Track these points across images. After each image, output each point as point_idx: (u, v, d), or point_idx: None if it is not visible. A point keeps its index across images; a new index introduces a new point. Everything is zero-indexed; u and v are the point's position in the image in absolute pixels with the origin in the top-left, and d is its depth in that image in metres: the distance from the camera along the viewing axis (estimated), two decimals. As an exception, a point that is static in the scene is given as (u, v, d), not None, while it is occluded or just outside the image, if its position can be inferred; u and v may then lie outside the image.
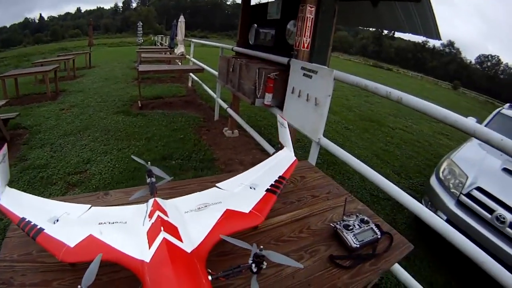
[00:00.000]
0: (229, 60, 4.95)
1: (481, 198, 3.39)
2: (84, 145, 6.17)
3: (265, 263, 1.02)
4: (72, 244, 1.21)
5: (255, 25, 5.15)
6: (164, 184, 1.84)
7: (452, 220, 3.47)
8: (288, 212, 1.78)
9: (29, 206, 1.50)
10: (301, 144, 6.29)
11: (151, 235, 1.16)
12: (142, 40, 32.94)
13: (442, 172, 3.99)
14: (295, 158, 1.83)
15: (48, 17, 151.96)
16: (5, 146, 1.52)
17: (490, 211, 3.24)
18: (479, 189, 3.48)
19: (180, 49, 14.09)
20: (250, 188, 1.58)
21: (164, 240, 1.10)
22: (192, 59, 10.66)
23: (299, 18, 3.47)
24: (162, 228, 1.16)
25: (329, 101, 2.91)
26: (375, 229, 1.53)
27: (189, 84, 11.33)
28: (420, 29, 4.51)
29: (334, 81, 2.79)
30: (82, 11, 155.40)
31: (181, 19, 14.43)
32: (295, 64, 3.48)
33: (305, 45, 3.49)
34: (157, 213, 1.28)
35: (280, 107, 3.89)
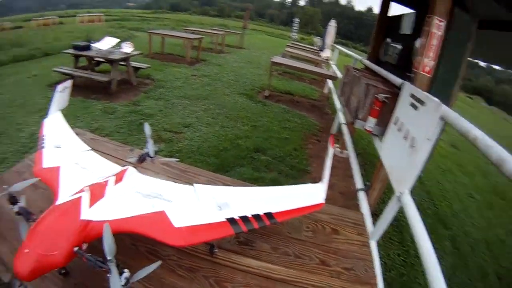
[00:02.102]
0: (348, 71, 4.42)
1: None
2: (194, 111, 6.66)
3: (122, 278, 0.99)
4: (44, 166, 1.62)
5: (388, 39, 4.47)
6: (180, 165, 2.06)
7: None
8: (267, 263, 1.32)
9: (56, 130, 1.99)
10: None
11: (82, 190, 1.32)
12: (296, 36, 33.04)
13: None
14: (322, 201, 1.41)
15: None
16: (70, 81, 2.24)
17: None
18: None
19: (326, 53, 13.87)
20: (217, 206, 1.36)
21: (78, 198, 1.25)
22: (333, 65, 10.17)
23: (424, 33, 2.75)
24: (88, 189, 1.32)
25: (429, 147, 2.05)
26: None
27: (325, 91, 10.75)
28: None
29: (441, 121, 2.00)
30: None
31: (332, 23, 14.28)
32: (406, 88, 2.71)
33: (426, 69, 2.73)
34: (111, 178, 1.45)
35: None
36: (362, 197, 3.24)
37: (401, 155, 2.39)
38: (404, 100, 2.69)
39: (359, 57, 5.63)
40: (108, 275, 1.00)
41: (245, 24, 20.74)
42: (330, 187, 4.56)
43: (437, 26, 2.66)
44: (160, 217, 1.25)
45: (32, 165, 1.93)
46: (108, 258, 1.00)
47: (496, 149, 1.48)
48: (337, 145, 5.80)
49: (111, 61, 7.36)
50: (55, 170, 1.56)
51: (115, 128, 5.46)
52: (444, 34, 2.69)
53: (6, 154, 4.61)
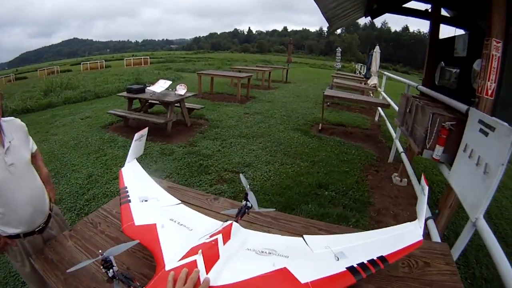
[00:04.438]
0: (408, 99, 4.38)
1: None
2: (252, 150, 6.71)
3: None
4: (136, 223, 1.53)
5: (442, 63, 4.41)
6: (271, 213, 1.96)
7: None
8: None
9: (137, 180, 1.95)
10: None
11: (192, 252, 1.23)
12: (340, 66, 32.98)
13: None
14: (421, 238, 1.36)
15: (256, 31, 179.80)
16: (146, 129, 2.26)
17: None
18: None
19: (373, 81, 13.71)
20: (334, 256, 1.31)
21: (193, 262, 1.17)
22: (382, 92, 10.04)
23: (484, 56, 2.76)
24: (200, 252, 1.21)
25: (501, 172, 2.05)
26: None
27: (376, 119, 10.75)
28: None
29: None
30: (289, 30, 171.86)
31: (377, 49, 14.13)
32: (473, 115, 2.69)
33: (489, 92, 2.71)
34: (219, 236, 1.34)
35: (450, 165, 3.09)
36: (432, 226, 3.18)
37: (474, 182, 2.39)
38: (472, 127, 2.68)
39: (414, 84, 5.54)
40: None
41: (289, 58, 20.89)
42: (394, 217, 4.51)
43: (496, 48, 2.67)
44: (284, 275, 1.20)
45: (108, 216, 1.95)
46: None
47: None
48: (395, 174, 5.75)
49: (166, 103, 7.64)
50: (151, 229, 1.49)
51: (175, 170, 5.60)
52: (502, 54, 2.70)
53: (62, 195, 4.78)
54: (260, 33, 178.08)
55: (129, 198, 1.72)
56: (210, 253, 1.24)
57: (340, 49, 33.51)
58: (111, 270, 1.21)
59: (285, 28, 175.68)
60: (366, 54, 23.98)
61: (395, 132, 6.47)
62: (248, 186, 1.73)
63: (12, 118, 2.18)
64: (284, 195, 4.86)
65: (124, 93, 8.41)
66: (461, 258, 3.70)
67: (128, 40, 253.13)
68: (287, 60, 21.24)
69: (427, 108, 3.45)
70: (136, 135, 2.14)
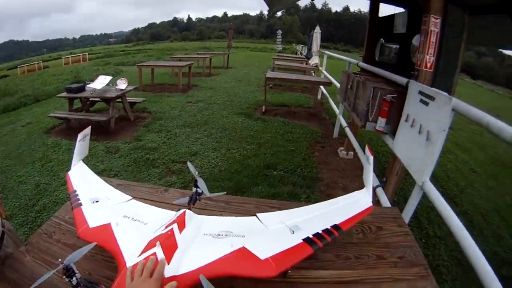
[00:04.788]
0: (349, 76, 4.50)
1: None
2: (197, 139, 6.67)
3: None
4: (91, 225, 1.47)
5: (382, 39, 4.56)
6: (222, 197, 1.94)
7: None
8: (335, 269, 1.38)
9: (86, 182, 1.87)
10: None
11: (150, 245, 1.23)
12: (281, 48, 33.20)
13: None
14: (370, 204, 1.45)
15: (196, 18, 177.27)
16: (89, 128, 2.10)
17: None
18: None
19: (314, 60, 13.96)
20: (289, 230, 1.34)
21: (153, 254, 1.16)
22: (324, 71, 10.24)
23: (422, 32, 2.88)
24: (158, 243, 1.20)
25: (443, 138, 2.23)
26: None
27: (318, 97, 10.99)
28: None
29: (452, 112, 2.14)
30: (229, 15, 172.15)
31: (317, 29, 14.38)
32: (413, 86, 2.86)
33: (428, 65, 2.85)
34: (174, 225, 1.33)
35: (394, 135, 3.26)
36: (381, 193, 3.38)
37: (418, 149, 2.56)
38: (412, 98, 2.84)
39: (354, 61, 5.72)
40: None
41: (229, 44, 20.77)
42: (343, 189, 4.66)
43: (434, 24, 2.79)
44: (243, 254, 1.21)
45: (61, 223, 1.85)
46: None
47: (508, 130, 1.68)
48: (341, 148, 5.94)
49: (108, 100, 7.40)
50: (106, 229, 1.45)
51: (122, 167, 5.49)
52: (440, 29, 2.84)
53: (13, 210, 4.51)
54: (200, 20, 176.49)
55: (80, 202, 1.66)
56: (168, 243, 1.24)
57: (280, 32, 33.69)
58: (74, 278, 1.19)
59: (225, 14, 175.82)
60: (307, 35, 24.26)
61: (338, 108, 6.63)
62: (197, 172, 1.73)
63: None
64: (233, 179, 4.90)
65: (64, 94, 7.91)
66: (413, 220, 3.89)
67: (65, 37, 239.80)
68: (227, 45, 21.02)
69: (368, 83, 3.58)
70: (79, 136, 2.05)
